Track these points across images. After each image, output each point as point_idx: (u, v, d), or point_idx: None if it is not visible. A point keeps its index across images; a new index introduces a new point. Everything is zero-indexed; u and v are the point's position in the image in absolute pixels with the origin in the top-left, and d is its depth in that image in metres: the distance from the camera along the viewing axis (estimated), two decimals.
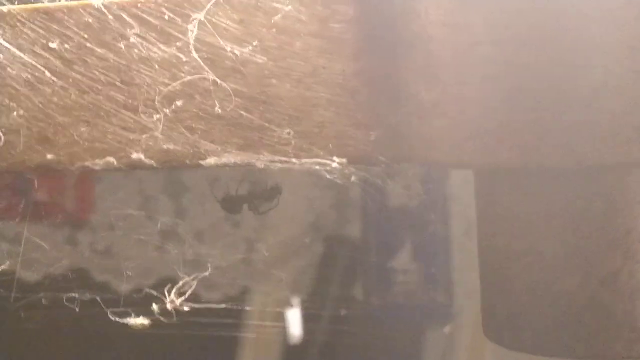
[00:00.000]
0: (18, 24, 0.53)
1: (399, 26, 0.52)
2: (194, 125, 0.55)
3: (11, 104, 0.55)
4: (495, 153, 0.49)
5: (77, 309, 0.61)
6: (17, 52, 0.53)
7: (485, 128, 0.49)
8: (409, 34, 0.51)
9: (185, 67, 0.55)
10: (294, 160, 0.54)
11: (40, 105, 0.55)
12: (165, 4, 0.55)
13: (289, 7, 0.55)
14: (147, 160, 0.56)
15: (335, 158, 0.53)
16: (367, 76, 0.54)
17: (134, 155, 0.56)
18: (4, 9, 0.53)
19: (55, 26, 0.53)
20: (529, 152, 0.48)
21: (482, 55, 0.48)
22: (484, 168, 0.52)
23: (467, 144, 0.50)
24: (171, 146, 0.56)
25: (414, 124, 0.51)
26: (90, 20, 0.53)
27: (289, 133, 0.54)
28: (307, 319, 0.84)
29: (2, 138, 0.57)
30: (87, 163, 0.57)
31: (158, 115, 0.55)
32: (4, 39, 0.53)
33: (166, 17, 0.55)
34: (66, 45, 0.53)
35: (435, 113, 0.50)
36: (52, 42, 0.53)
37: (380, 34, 0.53)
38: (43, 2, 0.52)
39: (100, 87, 0.54)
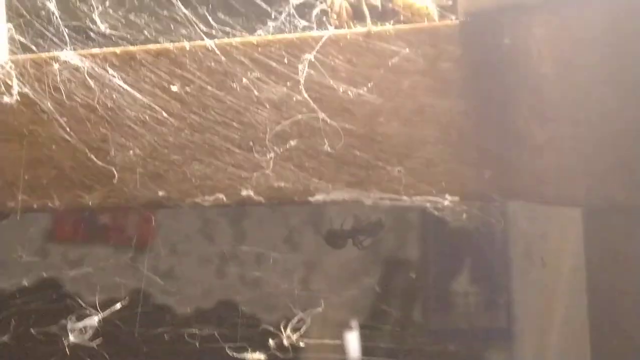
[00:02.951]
0: (142, 68, 0.55)
1: (509, 65, 0.52)
2: (303, 163, 0.56)
3: (127, 143, 0.57)
4: (608, 192, 0.49)
5: (197, 345, 0.63)
6: (138, 95, 0.55)
7: (599, 167, 0.49)
8: (520, 72, 0.51)
9: (296, 106, 0.56)
10: (404, 197, 0.55)
11: (155, 144, 0.56)
12: (277, 45, 0.56)
13: (398, 47, 0.55)
14: (256, 197, 0.58)
15: (447, 196, 0.54)
16: (475, 114, 0.54)
17: (244, 192, 0.57)
18: (133, 49, 0.55)
19: (178, 70, 0.54)
20: None
21: (597, 95, 0.48)
22: (595, 206, 0.52)
23: (580, 182, 0.50)
24: (281, 184, 0.57)
25: (527, 161, 0.51)
26: (212, 64, 0.55)
27: (399, 171, 0.55)
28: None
29: (117, 175, 0.58)
30: (197, 199, 0.58)
31: (270, 154, 0.56)
32: (126, 83, 0.54)
33: (277, 57, 0.56)
34: (187, 88, 0.55)
35: (548, 151, 0.50)
36: (174, 84, 0.55)
37: (488, 72, 0.54)
38: (169, 46, 0.54)
39: (215, 127, 0.56)
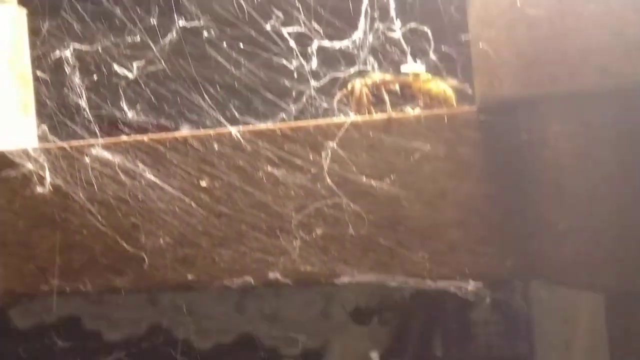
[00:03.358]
0: (172, 166, 0.57)
1: (527, 152, 0.53)
2: (329, 248, 0.58)
3: (158, 231, 0.58)
4: (630, 279, 0.50)
5: None
6: (169, 189, 0.56)
7: (619, 255, 0.50)
8: (538, 161, 0.53)
9: (320, 192, 0.58)
10: (428, 281, 0.56)
11: (184, 233, 0.58)
12: (300, 132, 0.58)
13: (418, 132, 0.57)
14: (283, 280, 0.59)
15: (470, 281, 0.55)
16: (495, 199, 0.56)
17: (271, 275, 0.59)
18: (160, 148, 0.56)
19: (206, 167, 0.56)
20: None
21: (614, 188, 0.50)
22: (617, 293, 0.53)
23: (601, 270, 0.51)
24: (308, 267, 0.58)
25: (548, 249, 0.53)
26: (238, 158, 0.56)
27: (423, 257, 0.56)
28: None
29: (147, 261, 0.60)
30: (225, 282, 0.60)
31: (295, 239, 0.58)
32: (158, 178, 0.56)
33: (301, 146, 0.58)
34: (215, 183, 0.57)
35: (568, 240, 0.52)
36: (202, 180, 0.57)
37: (507, 159, 0.55)
38: (190, 137, 0.56)
39: (241, 216, 0.57)
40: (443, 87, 0.59)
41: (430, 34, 0.62)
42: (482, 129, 0.56)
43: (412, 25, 0.63)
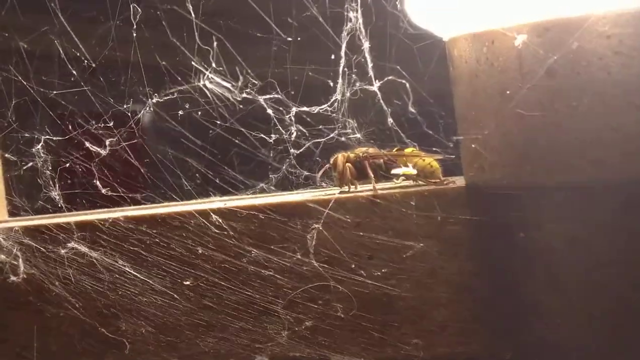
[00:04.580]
0: (154, 268, 0.55)
1: (518, 234, 0.52)
2: (316, 330, 0.57)
3: (138, 321, 0.56)
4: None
5: None
6: (150, 282, 0.55)
7: (613, 342, 0.50)
8: (529, 244, 0.52)
9: (306, 274, 0.56)
10: None
11: (168, 322, 0.56)
12: (283, 210, 0.56)
13: (405, 209, 0.56)
14: None
15: None
16: (486, 279, 0.55)
17: (258, 359, 0.58)
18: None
19: (190, 269, 0.55)
20: None
21: (607, 277, 0.49)
22: None
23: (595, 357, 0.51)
24: (296, 353, 0.57)
25: (542, 329, 0.52)
26: (224, 260, 0.55)
27: (416, 343, 0.55)
28: None
29: (128, 346, 0.58)
30: None
31: (284, 331, 0.56)
32: (137, 272, 0.54)
33: (285, 228, 0.56)
34: (199, 283, 0.55)
35: (564, 324, 0.51)
36: (187, 280, 0.55)
37: (499, 239, 0.54)
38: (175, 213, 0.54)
39: (227, 309, 0.56)
40: (428, 160, 0.58)
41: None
42: (472, 206, 0.55)
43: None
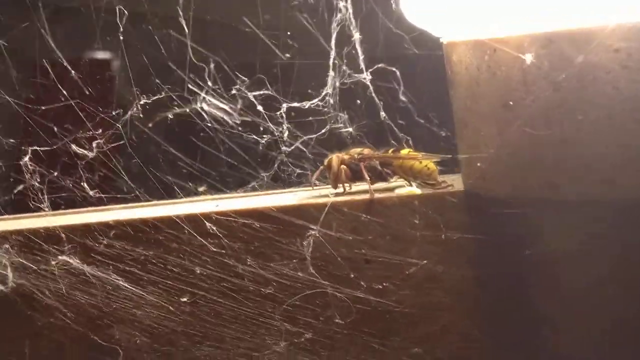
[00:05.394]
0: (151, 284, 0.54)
1: (522, 245, 0.51)
2: (314, 340, 0.56)
3: (133, 332, 0.55)
4: None
5: None
6: (145, 296, 0.54)
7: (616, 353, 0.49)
8: (533, 255, 0.51)
9: (303, 282, 0.55)
10: None
11: (165, 333, 0.55)
12: (279, 216, 0.55)
13: (402, 213, 0.54)
14: None
15: None
16: (488, 285, 0.54)
17: None
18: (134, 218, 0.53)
19: (187, 287, 0.53)
20: None
21: (610, 292, 0.48)
22: None
23: None
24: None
25: (549, 342, 0.51)
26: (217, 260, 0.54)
27: (416, 351, 0.55)
28: None
29: (122, 353, 0.57)
30: None
31: (279, 332, 0.55)
32: (132, 286, 0.53)
33: (280, 235, 0.55)
34: (196, 299, 0.54)
35: (567, 335, 0.50)
36: (184, 297, 0.54)
37: (503, 248, 0.53)
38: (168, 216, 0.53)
39: (223, 323, 0.55)
40: (425, 162, 0.56)
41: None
42: (472, 212, 0.54)
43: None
